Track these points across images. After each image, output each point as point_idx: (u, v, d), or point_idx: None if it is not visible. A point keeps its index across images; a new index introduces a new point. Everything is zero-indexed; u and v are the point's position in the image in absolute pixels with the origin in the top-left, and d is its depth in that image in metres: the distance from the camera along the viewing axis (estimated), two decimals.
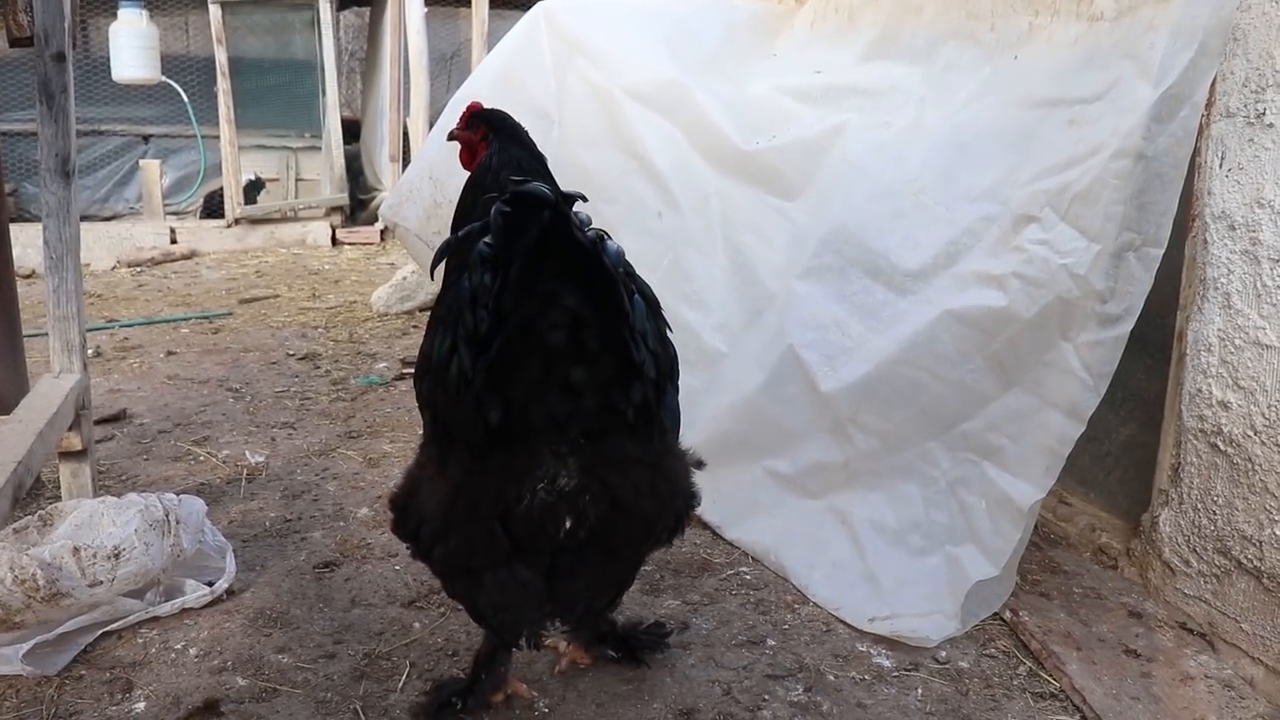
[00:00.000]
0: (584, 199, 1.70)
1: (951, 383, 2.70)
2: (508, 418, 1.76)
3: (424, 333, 2.06)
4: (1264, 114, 2.32)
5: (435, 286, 2.55)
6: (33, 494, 3.13)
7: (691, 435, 3.18)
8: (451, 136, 2.54)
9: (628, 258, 3.61)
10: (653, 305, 1.84)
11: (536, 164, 2.37)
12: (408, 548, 2.04)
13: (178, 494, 2.76)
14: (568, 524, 1.87)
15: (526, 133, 2.47)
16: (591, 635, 2.36)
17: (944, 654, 2.47)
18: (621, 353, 1.75)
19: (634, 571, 2.18)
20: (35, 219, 7.06)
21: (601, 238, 1.70)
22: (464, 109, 2.55)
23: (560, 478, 1.83)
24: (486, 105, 2.69)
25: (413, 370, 2.18)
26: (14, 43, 2.85)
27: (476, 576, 1.95)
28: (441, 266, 2.02)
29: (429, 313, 2.26)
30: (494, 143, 2.41)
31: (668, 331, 1.88)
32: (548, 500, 1.84)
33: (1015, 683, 2.37)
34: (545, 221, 1.64)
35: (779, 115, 3.45)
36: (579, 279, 1.70)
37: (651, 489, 1.93)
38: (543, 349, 1.72)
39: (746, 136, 3.40)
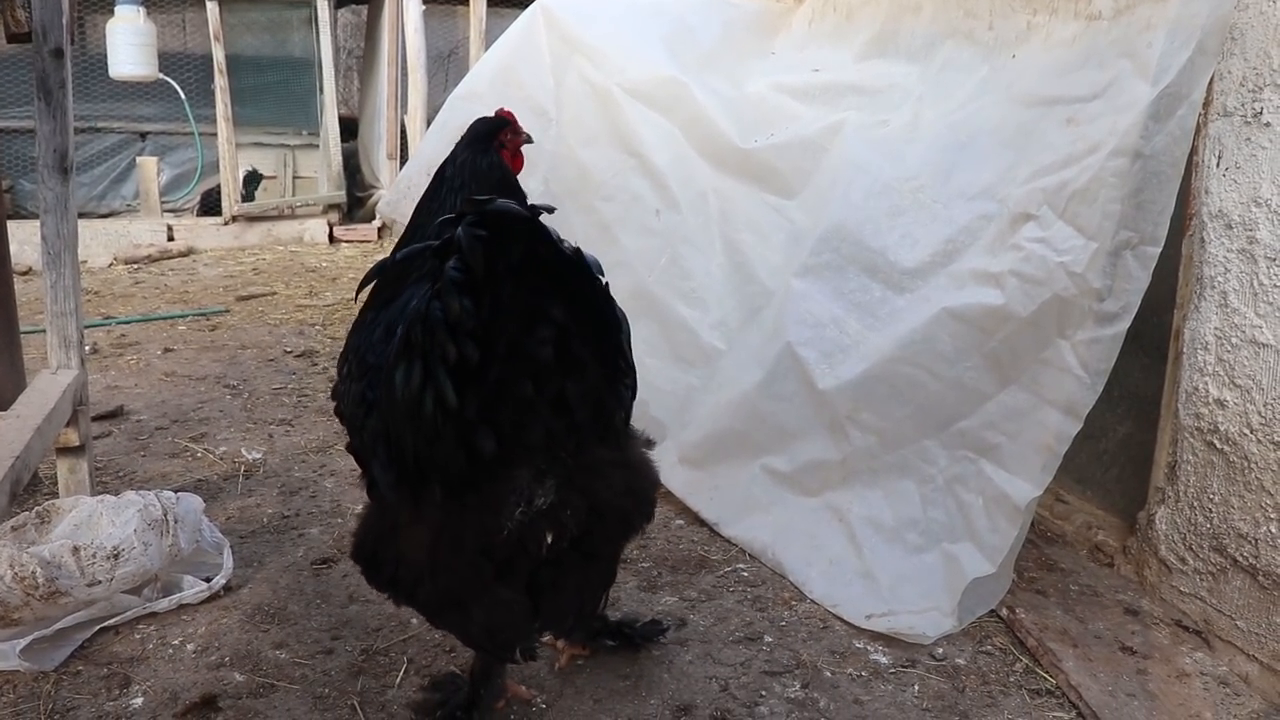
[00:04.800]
0: (551, 210, 1.67)
1: (949, 380, 2.70)
2: (499, 444, 1.71)
3: (343, 376, 1.99)
4: (1261, 113, 2.33)
5: None
6: (30, 490, 3.13)
7: (689, 433, 3.20)
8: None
9: (628, 255, 3.63)
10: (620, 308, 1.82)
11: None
12: (386, 597, 2.01)
13: (175, 491, 2.77)
14: (549, 539, 1.85)
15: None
16: (586, 634, 2.36)
17: (941, 651, 2.47)
18: (610, 360, 1.74)
19: (614, 568, 2.17)
20: (31, 216, 7.06)
21: (579, 249, 1.66)
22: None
23: (537, 497, 1.80)
24: (484, 102, 2.69)
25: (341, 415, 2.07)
26: (11, 38, 2.85)
27: (463, 608, 1.92)
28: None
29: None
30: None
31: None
32: (525, 521, 1.81)
33: (1012, 679, 2.37)
34: (526, 237, 1.60)
35: (777, 113, 3.45)
36: (559, 291, 1.66)
37: (627, 488, 1.93)
38: (532, 367, 1.68)
39: (745, 135, 3.41)
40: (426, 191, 2.38)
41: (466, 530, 1.82)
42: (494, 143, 2.40)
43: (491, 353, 1.64)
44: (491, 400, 1.68)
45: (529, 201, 1.64)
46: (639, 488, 2.01)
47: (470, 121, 2.57)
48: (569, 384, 1.72)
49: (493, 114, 2.54)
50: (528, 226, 1.60)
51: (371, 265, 1.87)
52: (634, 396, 1.87)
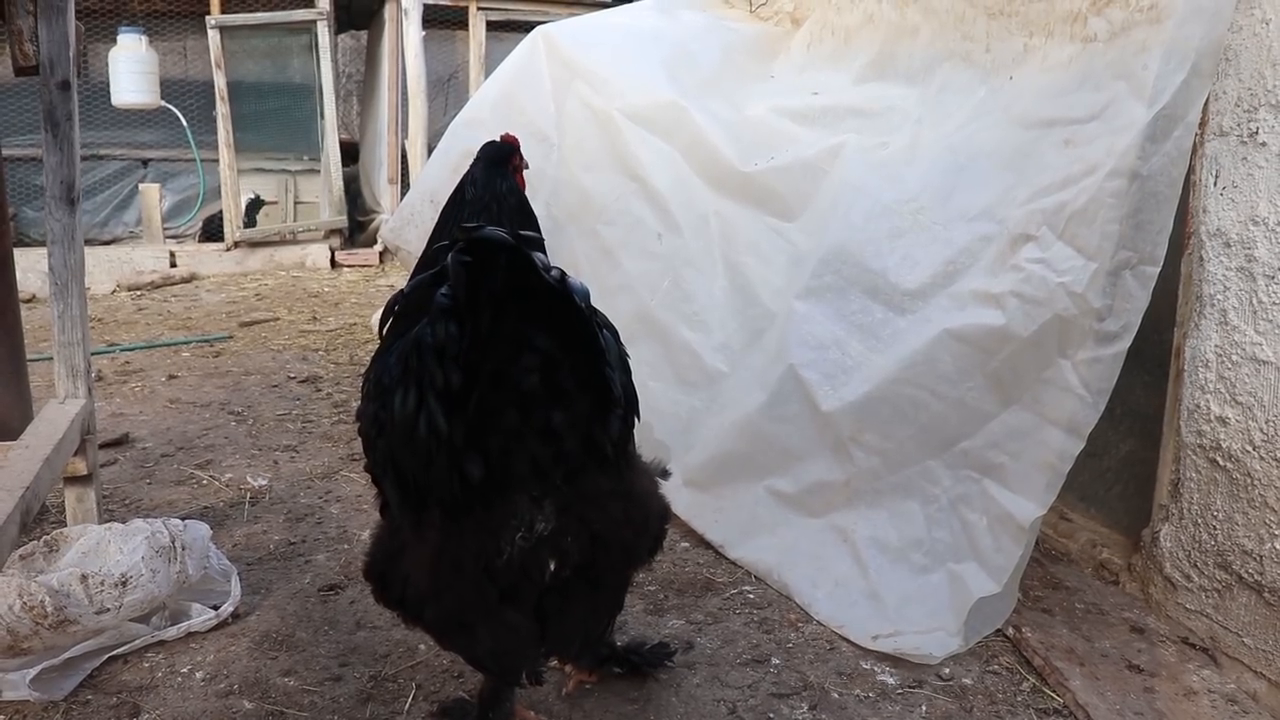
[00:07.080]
0: (540, 238, 1.67)
1: (951, 401, 2.71)
2: (487, 471, 1.72)
3: (362, 395, 1.99)
4: (1257, 133, 2.35)
5: None
6: (38, 519, 3.14)
7: (693, 455, 3.21)
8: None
9: (630, 279, 3.64)
10: (616, 336, 1.81)
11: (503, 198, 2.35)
12: (396, 616, 2.01)
13: (182, 518, 2.77)
14: (551, 566, 1.85)
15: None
16: (593, 660, 2.37)
17: (947, 671, 2.48)
18: (598, 389, 1.73)
19: (622, 597, 2.16)
20: (35, 243, 7.10)
21: (564, 276, 1.66)
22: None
23: (537, 523, 1.80)
24: (487, 129, 2.74)
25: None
26: (19, 71, 2.87)
27: (470, 630, 1.92)
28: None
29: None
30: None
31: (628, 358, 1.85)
32: (527, 547, 1.81)
33: (1019, 699, 2.38)
34: (505, 266, 1.60)
35: (777, 136, 3.48)
36: (545, 320, 1.67)
37: (627, 518, 1.93)
38: (517, 396, 1.69)
39: (745, 158, 3.43)
40: (442, 214, 2.40)
41: (467, 552, 1.82)
42: (509, 167, 2.43)
43: (477, 379, 1.65)
44: (479, 427, 1.69)
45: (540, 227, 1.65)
46: (640, 519, 1.98)
47: (472, 148, 2.61)
48: (555, 413, 1.72)
49: (498, 139, 2.57)
50: (511, 254, 1.61)
51: (375, 291, 1.89)
52: (629, 426, 1.85)
